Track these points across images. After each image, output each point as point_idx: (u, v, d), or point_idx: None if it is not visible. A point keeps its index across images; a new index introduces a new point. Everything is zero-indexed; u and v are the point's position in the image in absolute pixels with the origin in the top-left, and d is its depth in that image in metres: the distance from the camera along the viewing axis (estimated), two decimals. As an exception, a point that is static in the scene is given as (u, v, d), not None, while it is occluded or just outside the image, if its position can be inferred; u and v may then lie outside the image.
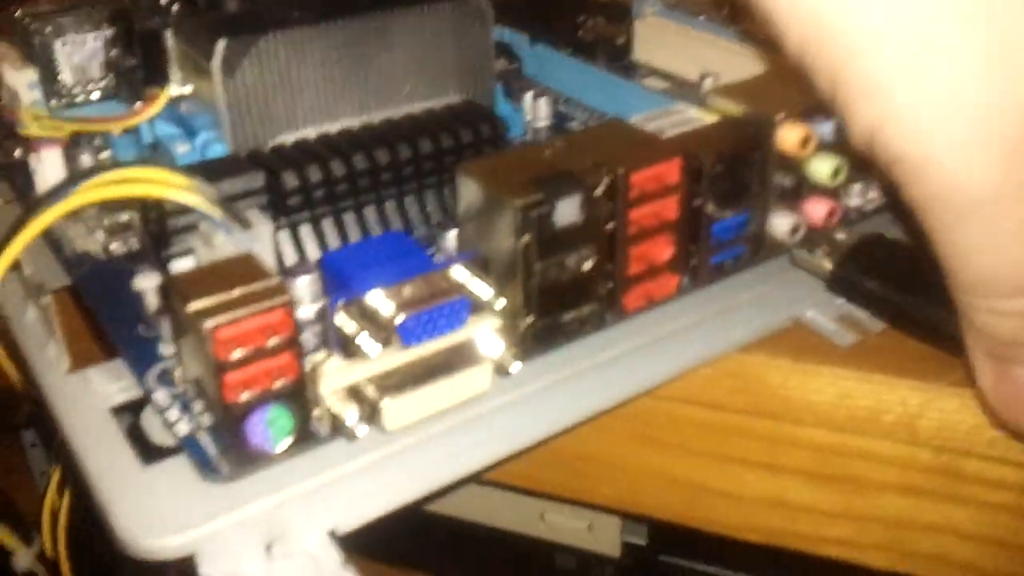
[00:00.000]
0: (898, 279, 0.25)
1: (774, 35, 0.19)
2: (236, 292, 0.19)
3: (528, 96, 0.35)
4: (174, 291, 0.19)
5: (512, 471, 0.30)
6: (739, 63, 0.36)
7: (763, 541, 0.30)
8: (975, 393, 0.24)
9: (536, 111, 0.35)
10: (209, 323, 0.18)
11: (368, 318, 0.20)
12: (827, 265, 0.26)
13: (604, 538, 0.45)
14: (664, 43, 0.39)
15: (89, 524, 0.38)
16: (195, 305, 0.18)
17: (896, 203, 0.26)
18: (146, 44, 0.27)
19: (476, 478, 0.23)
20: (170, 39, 0.28)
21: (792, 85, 0.27)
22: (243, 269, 0.20)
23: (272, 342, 0.19)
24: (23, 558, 0.39)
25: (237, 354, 0.19)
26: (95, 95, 0.33)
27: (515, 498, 0.45)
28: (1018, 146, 0.18)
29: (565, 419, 0.23)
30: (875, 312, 0.26)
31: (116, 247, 0.27)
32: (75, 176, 0.22)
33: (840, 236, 0.26)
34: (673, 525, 0.31)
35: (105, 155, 0.30)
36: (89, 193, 0.22)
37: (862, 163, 0.23)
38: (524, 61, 0.39)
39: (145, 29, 0.27)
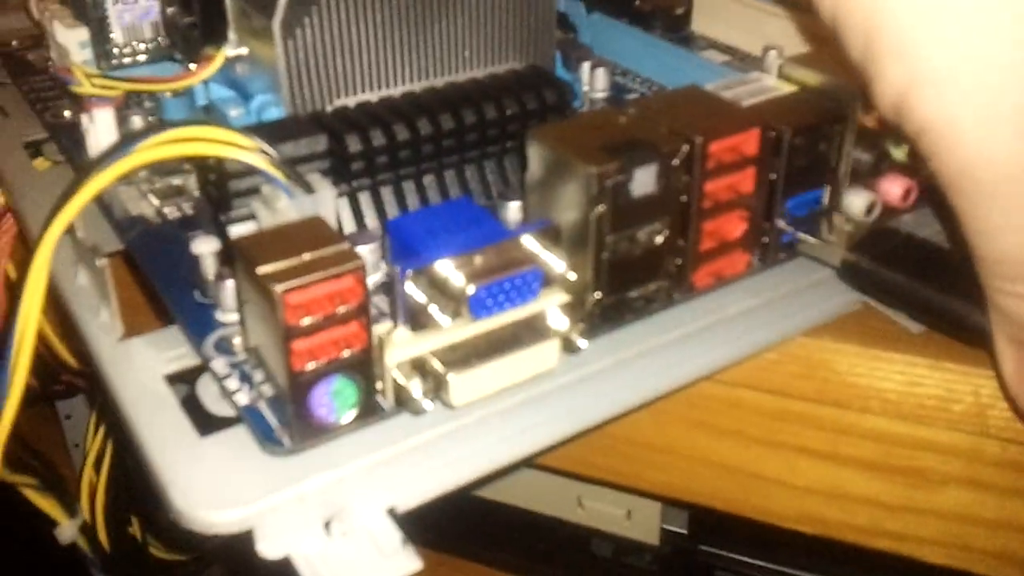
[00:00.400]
0: (915, 269, 0.24)
1: None
2: (307, 256, 0.18)
3: (586, 66, 0.34)
4: (242, 254, 0.19)
5: (556, 452, 0.29)
6: (799, 36, 0.35)
7: (817, 532, 0.29)
8: (997, 380, 0.23)
9: (594, 81, 0.34)
10: (279, 287, 0.17)
11: (438, 288, 0.19)
12: (838, 254, 0.25)
13: (643, 525, 0.44)
14: (723, 15, 0.38)
15: (126, 501, 0.38)
16: (265, 269, 0.18)
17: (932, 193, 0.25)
18: (206, 1, 0.27)
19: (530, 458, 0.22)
20: (228, -1, 0.27)
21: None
22: (312, 233, 0.19)
23: (341, 310, 0.18)
24: (67, 530, 0.39)
25: (306, 321, 0.18)
26: (144, 56, 0.33)
27: (553, 481, 0.44)
28: None
29: (631, 400, 0.23)
30: (891, 304, 0.25)
31: (169, 211, 0.26)
32: (134, 134, 0.21)
33: (847, 227, 0.25)
34: (715, 514, 0.30)
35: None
36: (149, 152, 0.21)
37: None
38: (580, 30, 0.38)
39: (207, -15, 0.26)
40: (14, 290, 0.35)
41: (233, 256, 0.19)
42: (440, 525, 0.45)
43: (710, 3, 0.38)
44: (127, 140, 0.21)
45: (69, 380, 0.36)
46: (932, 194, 0.25)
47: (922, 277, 0.24)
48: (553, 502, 0.46)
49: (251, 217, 0.23)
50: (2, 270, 0.33)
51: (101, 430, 0.37)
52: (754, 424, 0.28)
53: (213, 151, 0.21)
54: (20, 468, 0.23)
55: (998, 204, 0.18)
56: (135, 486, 0.38)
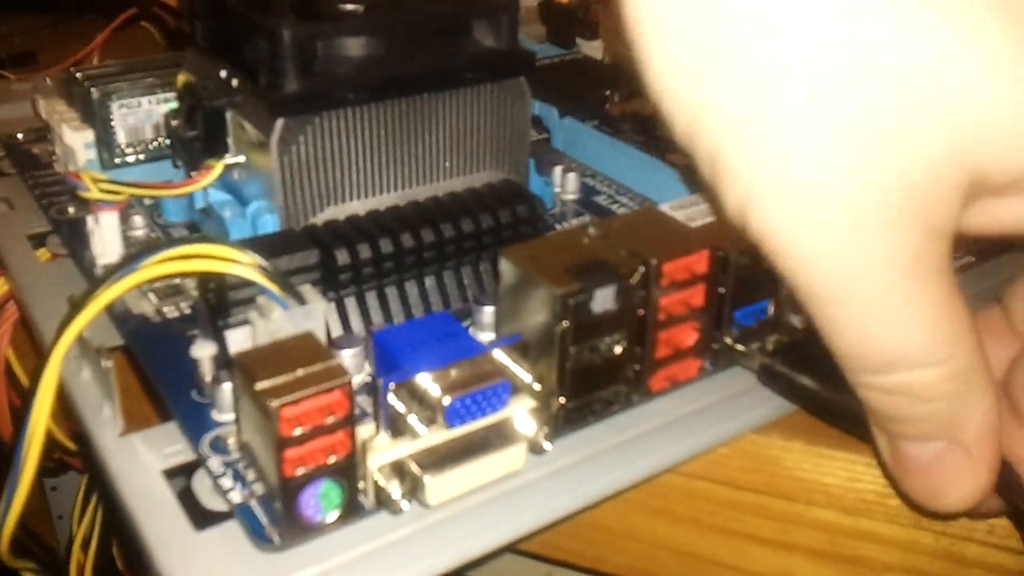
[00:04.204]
0: (825, 375, 0.25)
1: (667, 126, 0.21)
2: (299, 372, 0.20)
3: (558, 170, 0.37)
4: (241, 369, 0.21)
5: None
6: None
7: (768, 615, 0.31)
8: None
9: (565, 184, 0.36)
10: (275, 402, 0.19)
11: (417, 398, 0.22)
12: (758, 359, 0.27)
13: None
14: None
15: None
16: (262, 384, 0.20)
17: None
18: (210, 120, 0.29)
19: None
20: (229, 113, 0.30)
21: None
22: (304, 349, 0.21)
23: (330, 420, 0.20)
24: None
25: (298, 431, 0.20)
26: (144, 155, 0.35)
27: (519, 561, 0.46)
28: (861, 229, 0.19)
29: (593, 494, 0.25)
30: (804, 406, 0.27)
31: (168, 310, 0.28)
32: (143, 251, 0.23)
33: (772, 336, 0.27)
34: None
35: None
36: (155, 268, 0.23)
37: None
38: (553, 133, 0.40)
39: (212, 107, 0.28)
40: (13, 377, 0.36)
41: (232, 368, 0.21)
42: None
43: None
44: (135, 257, 0.23)
45: (61, 458, 0.37)
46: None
47: (830, 382, 0.25)
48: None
49: (246, 323, 0.25)
50: (2, 356, 0.35)
51: (88, 511, 0.39)
52: (709, 512, 0.30)
53: (215, 268, 0.23)
54: (22, 553, 0.25)
55: (832, 307, 0.20)
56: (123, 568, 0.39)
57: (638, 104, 0.43)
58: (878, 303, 0.20)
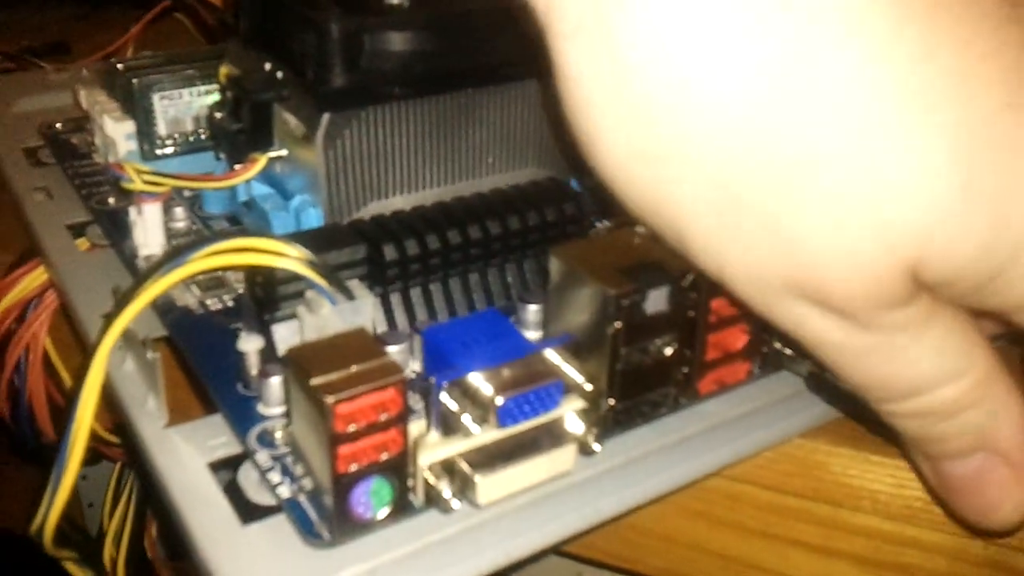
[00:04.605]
0: None
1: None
2: (354, 368, 0.20)
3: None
4: (295, 364, 0.20)
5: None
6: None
7: (808, 622, 0.30)
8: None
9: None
10: (331, 398, 0.19)
11: (469, 397, 0.21)
12: (806, 365, 0.27)
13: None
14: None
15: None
16: (317, 380, 0.20)
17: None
18: (257, 113, 0.29)
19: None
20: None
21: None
22: (358, 345, 0.21)
23: (383, 418, 0.20)
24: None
25: (352, 428, 0.20)
26: (184, 147, 0.35)
27: (550, 560, 0.46)
28: (807, 297, 0.19)
29: (640, 496, 0.24)
30: (850, 414, 0.27)
31: (211, 302, 0.28)
32: (192, 244, 0.23)
33: None
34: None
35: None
36: (202, 261, 0.23)
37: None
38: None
39: (259, 100, 0.28)
40: (50, 366, 0.36)
41: (283, 362, 0.21)
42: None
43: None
44: (183, 250, 0.23)
45: (95, 447, 0.37)
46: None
47: None
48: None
49: (292, 317, 0.25)
50: (41, 345, 0.35)
51: (120, 507, 0.39)
52: (752, 517, 0.29)
53: (264, 261, 0.23)
54: (64, 542, 0.25)
55: (832, 354, 0.21)
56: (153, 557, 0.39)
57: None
58: (874, 355, 0.20)
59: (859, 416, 0.27)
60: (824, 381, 0.26)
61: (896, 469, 0.27)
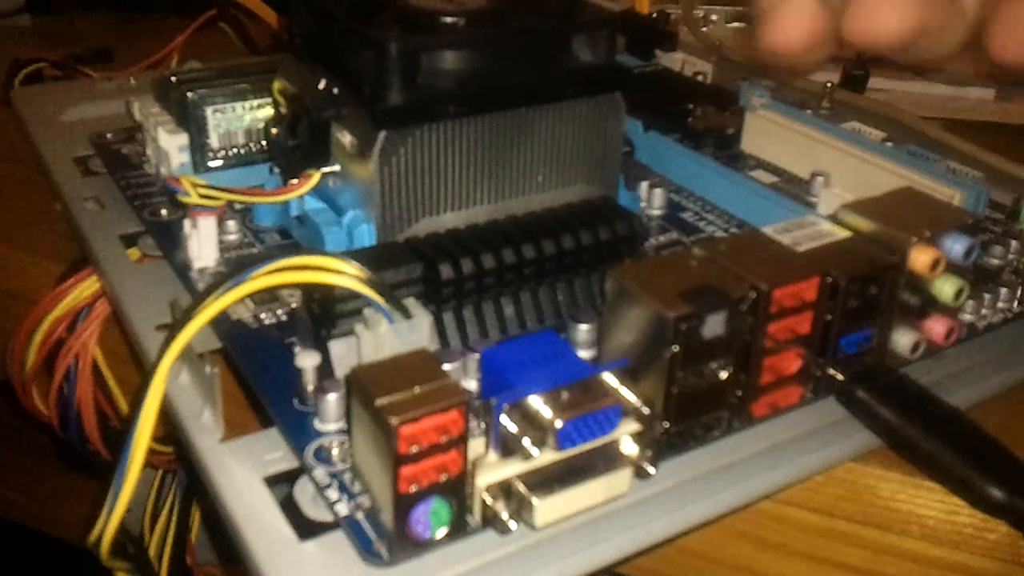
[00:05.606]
0: (900, 406, 0.26)
1: None
2: (416, 390, 0.20)
3: (644, 185, 0.36)
4: (359, 384, 0.21)
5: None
6: (844, 161, 0.37)
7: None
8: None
9: (651, 200, 0.36)
10: (395, 419, 0.19)
11: (528, 419, 0.21)
12: (838, 377, 0.27)
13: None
14: (772, 137, 0.40)
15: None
16: (382, 401, 0.20)
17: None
18: (316, 131, 0.29)
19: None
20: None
21: (921, 205, 0.29)
22: (420, 366, 0.21)
23: (444, 439, 0.20)
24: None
25: (414, 449, 0.20)
26: (236, 160, 0.35)
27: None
28: None
29: (692, 519, 0.24)
30: (876, 432, 0.27)
31: (266, 316, 0.28)
32: (249, 262, 0.23)
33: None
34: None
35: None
36: (263, 279, 0.23)
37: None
38: (637, 147, 0.40)
39: (320, 118, 0.29)
40: (99, 376, 0.37)
41: (347, 381, 0.21)
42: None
43: (760, 125, 0.41)
44: (243, 269, 0.23)
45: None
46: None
47: (903, 414, 0.26)
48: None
49: (349, 334, 0.25)
50: (91, 354, 0.35)
51: (163, 514, 0.39)
52: (798, 539, 0.29)
53: (324, 279, 0.24)
54: (118, 554, 0.25)
55: None
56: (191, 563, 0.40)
57: (720, 119, 0.42)
58: None
59: (883, 434, 0.26)
60: (853, 398, 0.26)
61: (946, 495, 0.27)
